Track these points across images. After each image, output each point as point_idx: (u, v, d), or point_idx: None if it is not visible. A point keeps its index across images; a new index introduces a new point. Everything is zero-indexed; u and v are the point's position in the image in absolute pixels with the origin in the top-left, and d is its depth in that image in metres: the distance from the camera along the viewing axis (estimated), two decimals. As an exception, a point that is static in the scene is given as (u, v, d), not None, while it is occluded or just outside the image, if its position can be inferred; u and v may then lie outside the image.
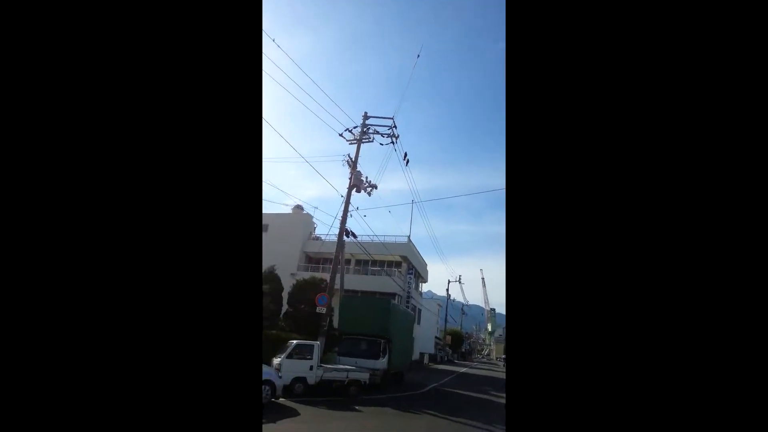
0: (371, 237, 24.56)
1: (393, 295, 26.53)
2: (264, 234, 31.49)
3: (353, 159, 15.79)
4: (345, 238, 15.97)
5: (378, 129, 16.24)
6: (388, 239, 28.84)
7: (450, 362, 44.99)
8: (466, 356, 65.13)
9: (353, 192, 15.80)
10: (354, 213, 17.86)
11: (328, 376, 11.37)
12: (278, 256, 28.46)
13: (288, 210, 30.85)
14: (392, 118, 16.31)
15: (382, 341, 14.57)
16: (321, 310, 14.37)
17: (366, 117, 16.34)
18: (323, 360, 12.70)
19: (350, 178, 15.65)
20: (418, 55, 21.96)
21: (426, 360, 34.26)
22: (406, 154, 17.46)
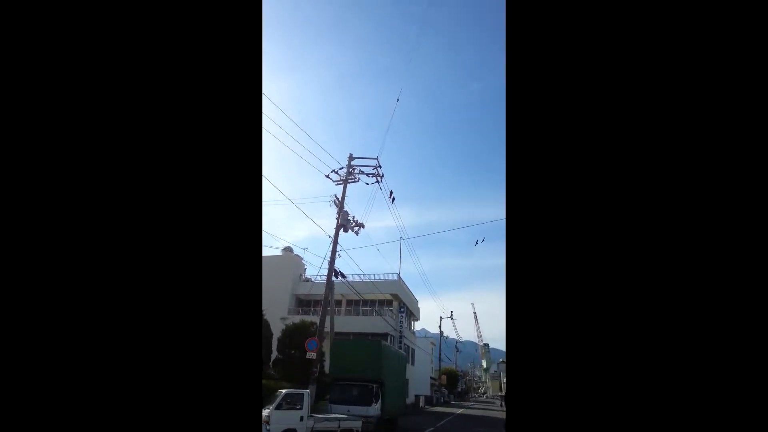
0: (361, 276, 24.34)
1: (385, 335, 25.99)
2: (252, 277, 30.84)
3: (340, 199, 15.88)
4: (334, 278, 15.80)
5: (363, 169, 16.49)
6: (378, 277, 28.61)
7: (447, 403, 43.57)
8: (463, 396, 63.16)
9: (341, 232, 15.78)
10: (343, 252, 17.77)
11: (320, 426, 10.87)
12: (268, 300, 27.84)
13: (278, 252, 30.56)
14: (376, 159, 16.62)
15: (374, 386, 14.08)
16: (311, 355, 13.93)
17: (351, 158, 16.59)
18: (316, 409, 12.16)
19: (337, 218, 15.67)
20: (398, 99, 22.78)
21: (422, 402, 33.15)
22: (391, 192, 17.67)
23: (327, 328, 15.93)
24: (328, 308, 15.61)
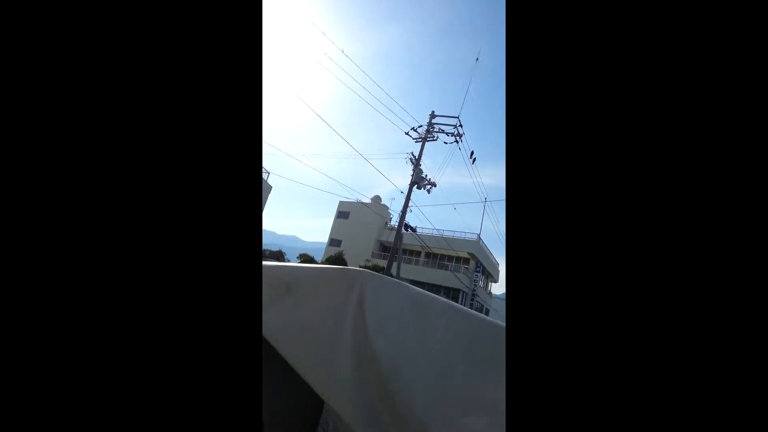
0: (440, 232, 25.19)
1: (458, 291, 26.95)
2: (345, 221, 33.92)
3: (417, 157, 16.64)
4: (409, 231, 17.00)
5: (443, 128, 16.86)
6: (457, 235, 29.27)
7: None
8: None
9: (415, 189, 16.71)
10: (415, 209, 18.50)
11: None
12: (357, 243, 30.38)
13: (367, 200, 32.71)
14: (457, 117, 16.80)
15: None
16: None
17: (432, 116, 17.02)
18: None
19: (412, 175, 16.55)
20: (477, 59, 21.80)
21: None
22: (472, 153, 17.80)
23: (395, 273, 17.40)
24: (396, 255, 16.98)
